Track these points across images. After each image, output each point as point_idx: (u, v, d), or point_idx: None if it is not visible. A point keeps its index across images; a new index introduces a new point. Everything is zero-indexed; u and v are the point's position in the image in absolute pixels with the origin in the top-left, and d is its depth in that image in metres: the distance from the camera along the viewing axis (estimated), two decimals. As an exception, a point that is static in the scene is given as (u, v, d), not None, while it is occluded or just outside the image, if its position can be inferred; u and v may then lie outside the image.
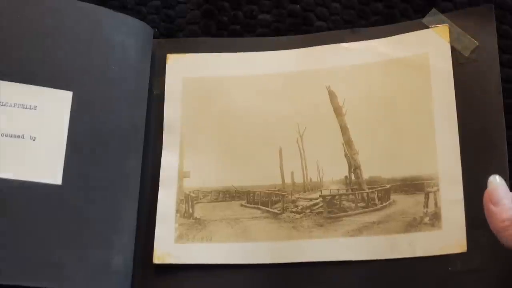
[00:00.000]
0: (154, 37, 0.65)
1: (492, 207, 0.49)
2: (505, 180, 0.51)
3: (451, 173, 0.55)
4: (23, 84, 0.57)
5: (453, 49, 0.59)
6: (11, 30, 0.58)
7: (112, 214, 0.57)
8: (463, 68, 0.58)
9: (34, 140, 0.56)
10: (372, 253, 0.56)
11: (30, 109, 0.57)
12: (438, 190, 0.55)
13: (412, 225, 0.55)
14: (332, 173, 0.59)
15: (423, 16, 0.65)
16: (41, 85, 0.58)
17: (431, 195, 0.56)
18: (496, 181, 0.50)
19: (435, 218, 0.55)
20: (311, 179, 0.59)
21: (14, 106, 0.57)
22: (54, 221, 0.55)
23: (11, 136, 0.56)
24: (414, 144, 0.57)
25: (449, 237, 0.54)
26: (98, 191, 0.57)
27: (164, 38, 0.66)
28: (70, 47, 0.59)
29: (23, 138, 0.56)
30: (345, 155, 0.59)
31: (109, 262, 0.56)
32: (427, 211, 0.56)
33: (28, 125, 0.56)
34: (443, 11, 0.65)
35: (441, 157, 0.56)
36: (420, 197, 0.56)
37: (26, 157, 0.56)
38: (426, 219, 0.55)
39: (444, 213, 0.55)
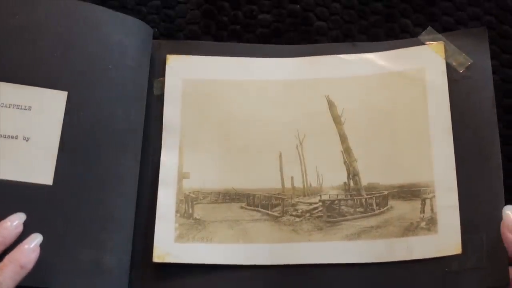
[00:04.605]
0: (154, 37, 0.64)
1: (510, 235, 0.53)
2: (500, 190, 0.56)
3: (446, 181, 0.58)
4: (19, 85, 0.57)
5: (448, 66, 0.61)
6: (7, 30, 0.58)
7: (104, 214, 0.57)
8: (458, 85, 0.60)
9: (27, 140, 0.56)
10: (370, 256, 0.57)
11: (24, 109, 0.57)
12: (434, 196, 0.58)
13: (409, 229, 0.58)
14: (331, 179, 0.60)
15: (423, 15, 0.64)
16: (36, 85, 0.58)
17: (427, 201, 0.58)
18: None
19: (431, 223, 0.57)
20: (310, 184, 0.60)
21: (9, 107, 0.57)
22: (44, 221, 0.55)
23: (5, 137, 0.56)
24: (411, 153, 0.60)
25: (445, 240, 0.56)
26: (90, 191, 0.57)
27: (164, 38, 0.66)
28: (66, 46, 0.59)
29: (16, 138, 0.56)
30: (344, 162, 0.60)
31: (100, 262, 0.56)
32: (423, 216, 0.58)
33: (22, 126, 0.56)
34: (442, 12, 0.65)
35: (437, 165, 0.58)
36: (417, 203, 0.58)
37: (18, 157, 0.56)
38: (423, 224, 0.58)
39: (439, 218, 0.57)
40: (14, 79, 0.57)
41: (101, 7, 0.61)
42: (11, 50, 0.58)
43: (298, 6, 0.67)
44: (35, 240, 0.53)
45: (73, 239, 0.55)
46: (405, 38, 0.64)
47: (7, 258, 0.51)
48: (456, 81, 0.60)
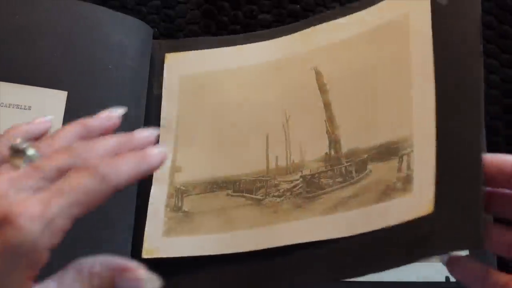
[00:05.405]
0: (154, 37, 0.64)
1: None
2: (481, 138, 0.46)
3: (425, 132, 0.49)
4: (19, 85, 0.58)
5: (433, 2, 0.53)
6: (7, 30, 0.58)
7: (104, 214, 0.57)
8: (442, 18, 0.52)
9: (27, 140, 0.57)
10: (346, 229, 0.50)
11: (24, 109, 0.57)
12: (412, 151, 0.50)
13: (386, 193, 0.50)
14: (313, 152, 0.55)
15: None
16: (36, 85, 0.58)
17: (405, 158, 0.50)
18: None
19: (407, 182, 0.49)
20: (293, 161, 0.56)
21: (9, 107, 0.57)
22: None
23: (4, 136, 0.56)
24: (391, 109, 0.52)
25: (418, 200, 0.48)
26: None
27: (164, 38, 0.66)
28: (67, 46, 0.59)
29: (16, 138, 0.56)
30: (327, 132, 0.55)
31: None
32: (400, 175, 0.50)
33: (22, 126, 0.57)
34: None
35: (417, 116, 0.50)
36: (394, 162, 0.50)
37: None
38: (399, 185, 0.49)
39: (415, 176, 0.49)
40: (14, 79, 0.57)
41: (101, 7, 0.61)
42: (11, 50, 0.58)
43: (298, 6, 0.67)
44: (160, 147, 0.43)
45: (73, 239, 0.55)
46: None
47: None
48: (440, 16, 0.52)
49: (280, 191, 0.56)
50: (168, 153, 0.49)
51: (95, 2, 0.63)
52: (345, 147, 0.54)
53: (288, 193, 0.55)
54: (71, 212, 0.38)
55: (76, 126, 0.44)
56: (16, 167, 0.39)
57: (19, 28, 0.58)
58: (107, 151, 0.41)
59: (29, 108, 0.57)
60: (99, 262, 0.40)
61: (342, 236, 0.50)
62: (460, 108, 0.48)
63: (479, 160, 0.45)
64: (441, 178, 0.47)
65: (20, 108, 0.57)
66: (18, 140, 0.40)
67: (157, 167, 0.42)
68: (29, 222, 0.35)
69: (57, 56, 0.59)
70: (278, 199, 0.55)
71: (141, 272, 0.41)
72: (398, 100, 0.52)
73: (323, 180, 0.54)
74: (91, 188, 0.38)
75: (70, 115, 0.58)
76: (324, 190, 0.53)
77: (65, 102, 0.58)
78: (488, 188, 0.45)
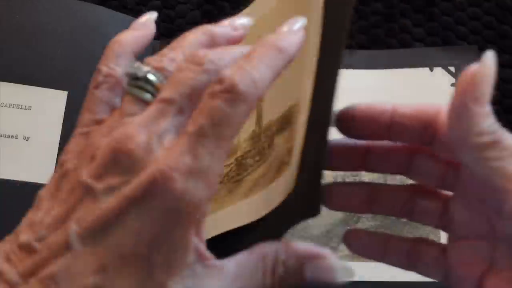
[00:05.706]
0: (154, 38, 0.64)
1: (473, 107, 0.32)
2: (335, 93, 0.37)
3: (305, 95, 0.41)
4: (19, 85, 0.58)
5: None
6: (8, 30, 0.59)
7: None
8: None
9: (27, 140, 0.57)
10: (253, 214, 0.43)
11: (24, 109, 0.57)
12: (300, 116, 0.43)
13: (278, 170, 0.43)
14: (245, 130, 0.49)
15: (423, 15, 0.64)
16: (36, 85, 0.58)
17: (294, 126, 0.43)
18: (489, 64, 0.33)
19: (290, 153, 0.42)
20: (234, 144, 0.49)
21: (9, 107, 0.57)
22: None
23: (5, 136, 0.57)
24: (294, 74, 0.44)
25: (291, 172, 0.41)
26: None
27: (164, 38, 0.66)
28: (67, 46, 0.59)
29: (16, 138, 0.57)
30: (257, 107, 0.48)
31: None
32: (288, 146, 0.43)
33: (22, 125, 0.57)
34: (442, 12, 0.65)
35: (304, 80, 0.42)
36: (288, 132, 0.44)
37: (18, 157, 0.56)
38: (287, 158, 0.42)
39: (295, 144, 0.41)
40: (14, 79, 0.58)
41: (101, 7, 0.62)
42: (11, 50, 0.58)
43: (298, 6, 0.67)
44: (297, 23, 0.37)
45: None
46: (404, 39, 0.64)
47: (257, 43, 0.35)
48: None
49: (222, 177, 0.49)
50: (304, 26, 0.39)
51: (95, 2, 0.63)
52: (264, 121, 0.48)
53: (225, 178, 0.50)
54: (221, 154, 0.32)
55: (200, 34, 0.36)
56: (141, 100, 0.33)
57: (19, 28, 0.59)
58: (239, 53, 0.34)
59: (29, 108, 0.57)
60: (284, 249, 0.34)
61: (248, 221, 0.43)
62: (325, 70, 0.40)
63: (327, 118, 0.38)
64: (305, 143, 0.40)
65: (20, 108, 0.57)
66: (135, 65, 0.35)
67: (297, 53, 0.35)
68: (182, 182, 0.30)
69: (57, 56, 0.59)
70: (219, 186, 0.48)
71: (335, 260, 0.34)
72: (299, 64, 0.43)
73: (248, 161, 0.48)
74: (234, 116, 0.31)
75: (70, 115, 0.58)
76: (247, 171, 0.48)
77: (65, 102, 0.58)
78: (365, 142, 0.40)
